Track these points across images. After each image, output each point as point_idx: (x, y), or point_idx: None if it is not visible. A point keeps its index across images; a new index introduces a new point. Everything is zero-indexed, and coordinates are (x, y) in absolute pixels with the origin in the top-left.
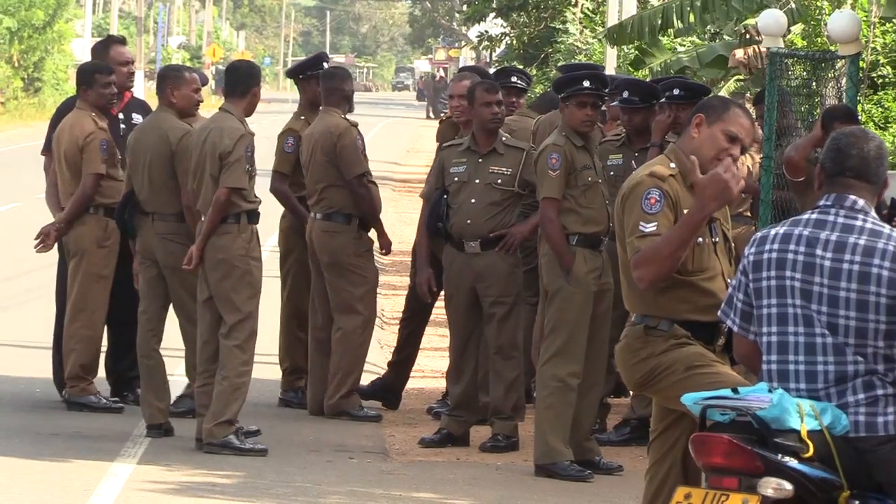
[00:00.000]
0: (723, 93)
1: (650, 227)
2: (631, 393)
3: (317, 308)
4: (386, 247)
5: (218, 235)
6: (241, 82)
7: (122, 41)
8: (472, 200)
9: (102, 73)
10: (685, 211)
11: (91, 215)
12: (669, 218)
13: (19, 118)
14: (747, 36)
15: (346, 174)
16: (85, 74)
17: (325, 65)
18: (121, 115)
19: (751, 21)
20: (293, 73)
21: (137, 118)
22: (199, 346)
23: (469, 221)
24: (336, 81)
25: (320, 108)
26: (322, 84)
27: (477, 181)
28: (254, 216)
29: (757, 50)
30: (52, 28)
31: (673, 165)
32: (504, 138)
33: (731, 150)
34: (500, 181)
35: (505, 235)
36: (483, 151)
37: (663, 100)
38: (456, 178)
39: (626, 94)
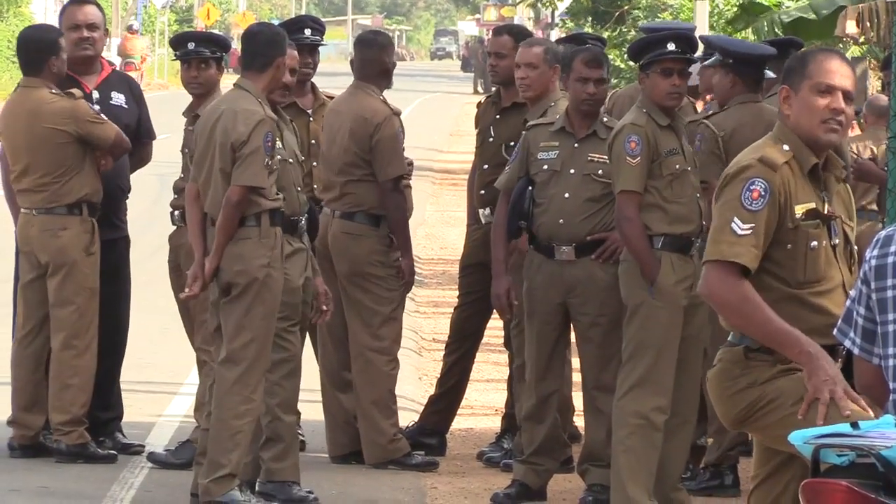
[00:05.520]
0: None
1: (745, 229)
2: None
3: (329, 329)
4: (408, 270)
5: (234, 242)
6: (259, 52)
7: (81, 0)
8: (566, 195)
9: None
10: (798, 209)
11: (74, 217)
12: (770, 219)
13: None
14: None
15: (379, 174)
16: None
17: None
18: (95, 94)
19: None
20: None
21: (118, 98)
22: (208, 380)
23: (561, 221)
24: (374, 51)
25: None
26: (357, 53)
27: (572, 171)
28: (277, 216)
29: (874, 13)
30: None
31: (787, 148)
32: (605, 119)
33: (832, 105)
34: (600, 172)
35: (605, 240)
36: (580, 135)
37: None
38: (545, 167)
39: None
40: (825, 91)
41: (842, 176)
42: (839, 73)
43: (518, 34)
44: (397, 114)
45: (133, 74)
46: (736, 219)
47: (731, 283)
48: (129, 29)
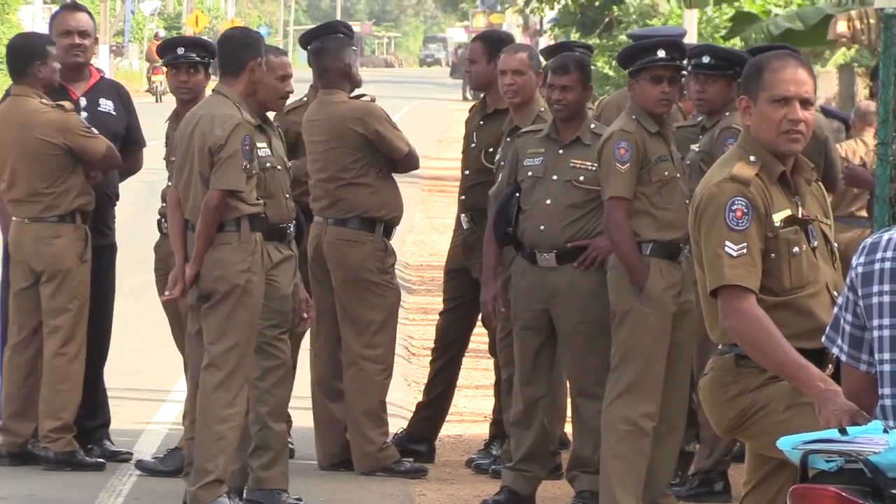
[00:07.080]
0: (829, 66)
1: (739, 249)
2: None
3: (320, 334)
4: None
5: (214, 248)
6: (233, 56)
7: (73, 7)
8: (548, 201)
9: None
10: (775, 218)
11: (67, 225)
12: (759, 234)
13: None
14: None
15: (394, 155)
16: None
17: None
18: (83, 101)
19: None
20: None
21: (106, 104)
22: (190, 387)
23: (543, 227)
24: (328, 58)
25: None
26: (312, 65)
27: (554, 177)
28: (258, 222)
29: (864, 17)
30: None
31: (753, 159)
32: (593, 126)
33: (789, 116)
34: (582, 178)
35: (586, 247)
36: (565, 141)
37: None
38: (530, 173)
39: (706, 59)
40: (781, 102)
41: (811, 178)
42: (794, 82)
43: (487, 40)
44: (373, 100)
45: (160, 78)
46: (727, 242)
47: (740, 309)
48: (156, 36)
